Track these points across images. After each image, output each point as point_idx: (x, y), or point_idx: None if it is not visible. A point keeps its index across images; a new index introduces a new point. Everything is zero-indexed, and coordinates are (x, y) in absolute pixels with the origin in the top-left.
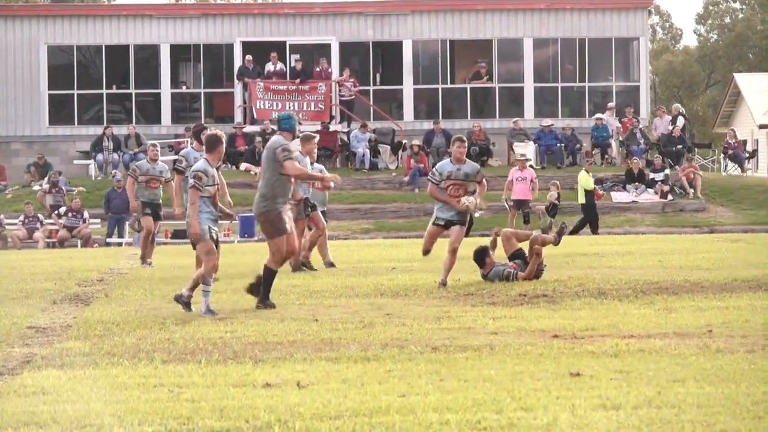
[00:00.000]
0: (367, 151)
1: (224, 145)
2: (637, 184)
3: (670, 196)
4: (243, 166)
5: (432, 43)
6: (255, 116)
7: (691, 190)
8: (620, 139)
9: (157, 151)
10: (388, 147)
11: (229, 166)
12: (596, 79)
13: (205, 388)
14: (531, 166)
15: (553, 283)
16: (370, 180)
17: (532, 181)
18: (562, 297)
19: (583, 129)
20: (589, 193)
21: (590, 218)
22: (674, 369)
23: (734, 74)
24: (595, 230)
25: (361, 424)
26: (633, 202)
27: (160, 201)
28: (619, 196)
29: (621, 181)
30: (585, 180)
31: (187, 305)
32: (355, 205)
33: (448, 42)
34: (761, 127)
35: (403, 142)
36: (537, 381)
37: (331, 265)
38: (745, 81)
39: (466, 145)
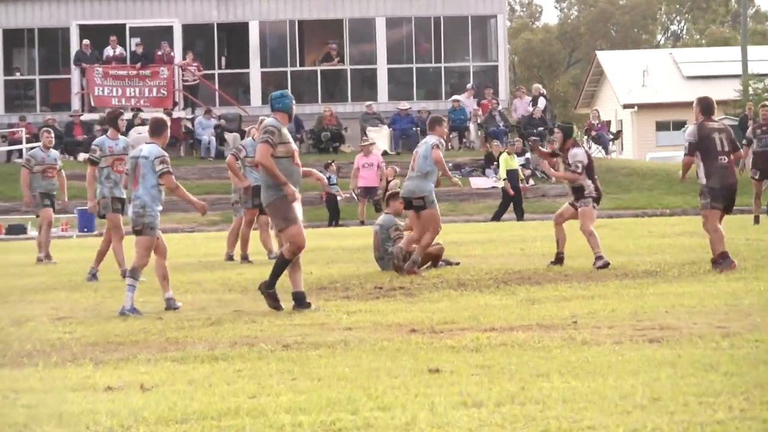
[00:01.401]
0: (213, 138)
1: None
2: (496, 168)
3: (531, 181)
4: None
5: (279, 24)
6: (93, 104)
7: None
8: (479, 121)
9: (52, 137)
10: (235, 134)
11: (67, 156)
12: (453, 59)
13: (43, 393)
14: (397, 153)
15: (409, 277)
16: (217, 169)
17: (378, 166)
18: (420, 289)
19: (440, 112)
20: (512, 173)
21: (514, 201)
22: (538, 363)
23: (596, 52)
24: (520, 216)
25: (210, 427)
26: (493, 187)
27: (56, 192)
28: (478, 182)
29: (480, 165)
30: (507, 161)
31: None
32: (200, 196)
33: (296, 22)
34: (625, 107)
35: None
36: (394, 378)
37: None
38: (607, 59)
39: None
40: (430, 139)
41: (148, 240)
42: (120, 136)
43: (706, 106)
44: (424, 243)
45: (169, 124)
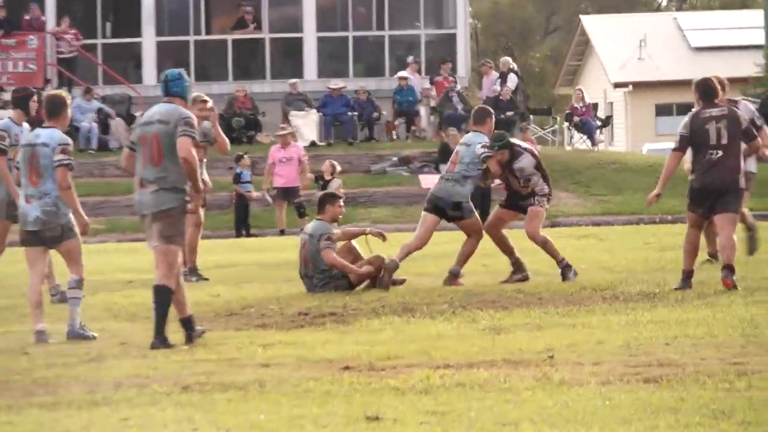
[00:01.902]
0: (95, 125)
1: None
2: None
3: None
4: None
5: None
6: None
7: None
8: (432, 104)
9: None
10: (122, 120)
11: None
12: (399, 26)
13: None
14: (328, 144)
15: (344, 297)
16: (99, 164)
17: (300, 161)
18: (356, 315)
19: (383, 92)
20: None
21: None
22: (504, 408)
23: (581, 17)
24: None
25: None
26: None
27: None
28: (430, 180)
29: (433, 159)
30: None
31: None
32: (79, 198)
33: None
34: (617, 86)
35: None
36: (322, 428)
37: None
38: (595, 25)
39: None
40: (476, 138)
41: (76, 243)
42: (25, 123)
43: (704, 90)
44: (467, 251)
45: (68, 102)
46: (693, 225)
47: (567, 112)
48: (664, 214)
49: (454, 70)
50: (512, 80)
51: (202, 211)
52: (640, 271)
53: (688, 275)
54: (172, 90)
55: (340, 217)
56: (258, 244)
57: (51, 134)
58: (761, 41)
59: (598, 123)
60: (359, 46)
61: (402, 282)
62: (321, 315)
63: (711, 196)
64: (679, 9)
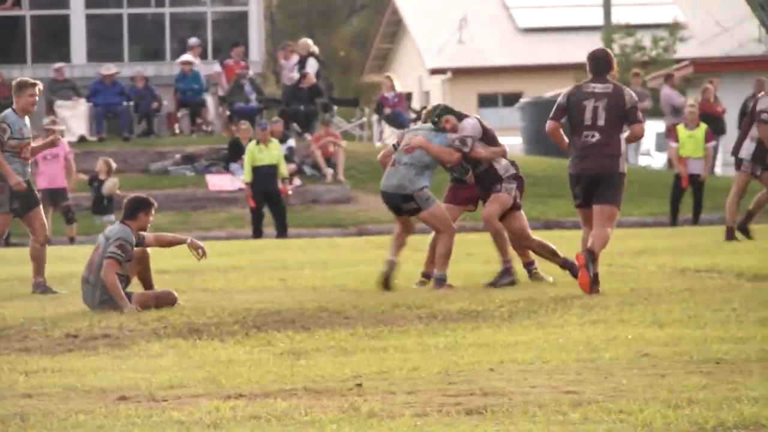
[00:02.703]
0: None
1: None
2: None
3: (297, 180)
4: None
5: None
6: None
7: (330, 170)
8: (220, 93)
9: None
10: None
11: None
12: (182, 2)
13: None
14: (100, 139)
15: (119, 316)
16: None
17: (66, 158)
18: (134, 337)
19: (164, 79)
20: (262, 172)
21: (273, 211)
22: None
23: None
24: (282, 232)
25: None
26: (240, 189)
27: None
28: (219, 181)
29: (222, 157)
30: (254, 154)
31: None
32: None
33: None
34: (434, 72)
35: None
36: None
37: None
38: (408, 3)
39: None
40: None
41: None
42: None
43: (593, 62)
44: (442, 251)
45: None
46: (584, 223)
47: (376, 103)
48: None
49: (246, 54)
50: (312, 66)
51: None
52: (461, 286)
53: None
54: None
55: (148, 225)
56: (19, 254)
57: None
58: (599, 21)
59: (413, 115)
60: (135, 26)
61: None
62: (92, 337)
63: (591, 183)
64: None
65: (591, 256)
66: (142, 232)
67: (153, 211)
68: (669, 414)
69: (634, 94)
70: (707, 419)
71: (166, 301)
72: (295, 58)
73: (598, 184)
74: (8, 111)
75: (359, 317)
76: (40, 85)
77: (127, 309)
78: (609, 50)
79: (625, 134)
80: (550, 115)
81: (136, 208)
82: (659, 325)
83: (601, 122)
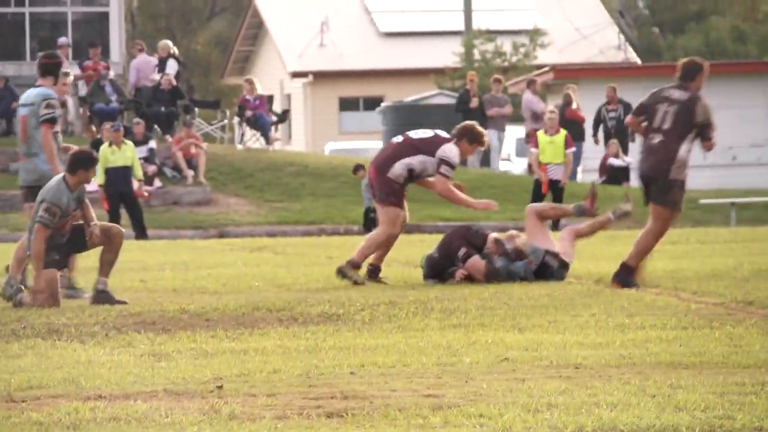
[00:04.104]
0: None
1: None
2: None
3: (158, 182)
4: None
5: None
6: None
7: (191, 172)
8: (80, 94)
9: None
10: None
11: None
12: (42, 2)
13: None
14: None
15: None
16: None
17: None
18: None
19: (24, 79)
20: (115, 174)
21: (131, 213)
22: None
23: None
24: (141, 234)
25: None
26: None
27: None
28: None
29: None
30: (107, 155)
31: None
32: None
33: None
34: (295, 75)
35: None
36: None
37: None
38: (269, 5)
39: None
40: None
41: None
42: None
43: (681, 68)
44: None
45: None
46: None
47: (238, 105)
48: (349, 225)
49: (106, 54)
50: (172, 67)
51: None
52: (322, 289)
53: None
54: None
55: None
56: None
57: None
58: (460, 27)
59: (274, 118)
60: None
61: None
62: None
63: (643, 183)
64: None
65: (625, 270)
66: (85, 196)
67: (94, 170)
68: (528, 418)
69: (709, 111)
70: (566, 424)
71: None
72: (150, 58)
73: (651, 185)
74: None
75: (220, 319)
76: (70, 78)
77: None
78: (703, 62)
79: (686, 144)
80: (632, 110)
81: (76, 164)
82: (519, 330)
83: (666, 126)
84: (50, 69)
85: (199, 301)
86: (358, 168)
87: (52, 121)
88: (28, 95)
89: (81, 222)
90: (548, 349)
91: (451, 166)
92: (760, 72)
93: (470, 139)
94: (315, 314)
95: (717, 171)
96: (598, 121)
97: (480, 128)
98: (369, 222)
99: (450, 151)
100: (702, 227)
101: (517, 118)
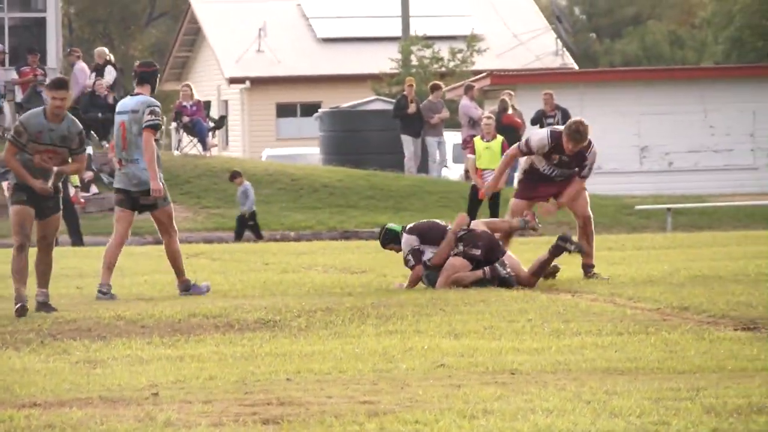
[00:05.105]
0: None
1: None
2: None
3: (94, 188)
4: None
5: None
6: None
7: None
8: (17, 100)
9: None
10: None
11: None
12: None
13: None
14: None
15: None
16: None
17: None
18: None
19: None
20: None
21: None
22: None
23: (191, 1)
24: (77, 241)
25: None
26: None
27: None
28: None
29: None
30: None
31: None
32: None
33: None
34: (233, 81)
35: None
36: None
37: None
38: (206, 11)
39: None
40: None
41: None
42: None
43: None
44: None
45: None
46: None
47: (174, 111)
48: (287, 231)
49: (43, 60)
50: (110, 73)
51: None
52: (259, 295)
53: None
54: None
55: None
56: None
57: None
58: (397, 32)
59: (211, 124)
60: None
61: None
62: None
63: None
64: None
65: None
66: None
67: (60, 95)
68: (464, 424)
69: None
70: (502, 430)
71: None
72: (83, 64)
73: None
74: None
75: (156, 326)
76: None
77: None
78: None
79: None
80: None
81: (48, 86)
82: (455, 336)
83: None
84: (147, 77)
85: (135, 308)
86: (235, 175)
87: (156, 128)
88: (128, 103)
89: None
90: (484, 355)
91: None
92: (696, 77)
93: None
94: (251, 321)
95: (653, 177)
96: (537, 122)
97: None
98: (242, 229)
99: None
100: (638, 233)
101: (454, 124)
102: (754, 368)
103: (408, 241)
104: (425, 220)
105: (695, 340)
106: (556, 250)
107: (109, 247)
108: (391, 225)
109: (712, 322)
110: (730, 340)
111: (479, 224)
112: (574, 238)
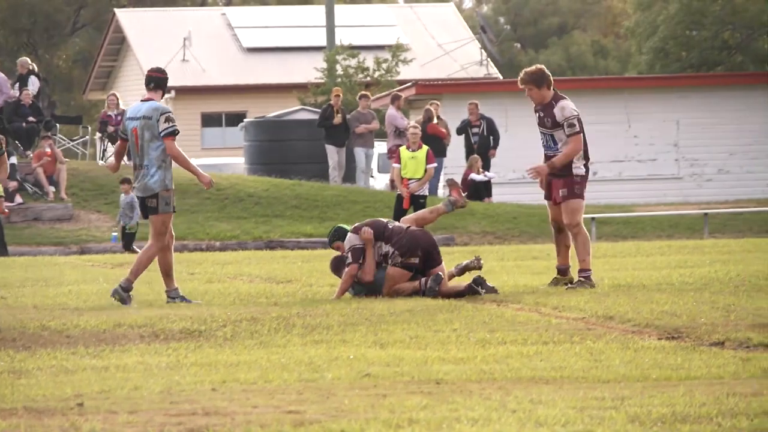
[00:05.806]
0: None
1: None
2: None
3: (19, 198)
4: None
5: None
6: None
7: (52, 188)
8: None
9: None
10: None
11: None
12: None
13: None
14: None
15: None
16: None
17: None
18: None
19: None
20: None
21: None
22: None
23: (115, 10)
24: (2, 251)
25: None
26: None
27: None
28: None
29: None
30: None
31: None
32: None
33: None
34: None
35: None
36: None
37: None
38: (131, 21)
39: None
40: None
41: None
42: None
43: None
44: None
45: None
46: None
47: (99, 121)
48: (212, 240)
49: None
50: (33, 83)
51: None
52: (184, 305)
53: None
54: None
55: None
56: None
57: None
58: (322, 42)
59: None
60: None
61: None
62: None
63: None
64: (228, 4)
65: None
66: None
67: None
68: None
69: None
70: None
71: None
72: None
73: None
74: None
75: (81, 336)
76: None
77: None
78: None
79: None
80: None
81: None
82: (381, 346)
83: None
84: (160, 83)
85: (59, 318)
86: (124, 181)
87: (174, 134)
88: (139, 108)
89: None
90: (409, 364)
91: None
92: (620, 87)
93: None
94: (176, 330)
95: None
96: (463, 131)
97: None
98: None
99: None
100: None
101: (379, 134)
102: (678, 377)
103: (351, 239)
104: (369, 219)
105: (620, 349)
106: (470, 290)
107: (156, 258)
108: (343, 225)
109: (636, 331)
110: (655, 350)
111: (408, 221)
112: (489, 283)
